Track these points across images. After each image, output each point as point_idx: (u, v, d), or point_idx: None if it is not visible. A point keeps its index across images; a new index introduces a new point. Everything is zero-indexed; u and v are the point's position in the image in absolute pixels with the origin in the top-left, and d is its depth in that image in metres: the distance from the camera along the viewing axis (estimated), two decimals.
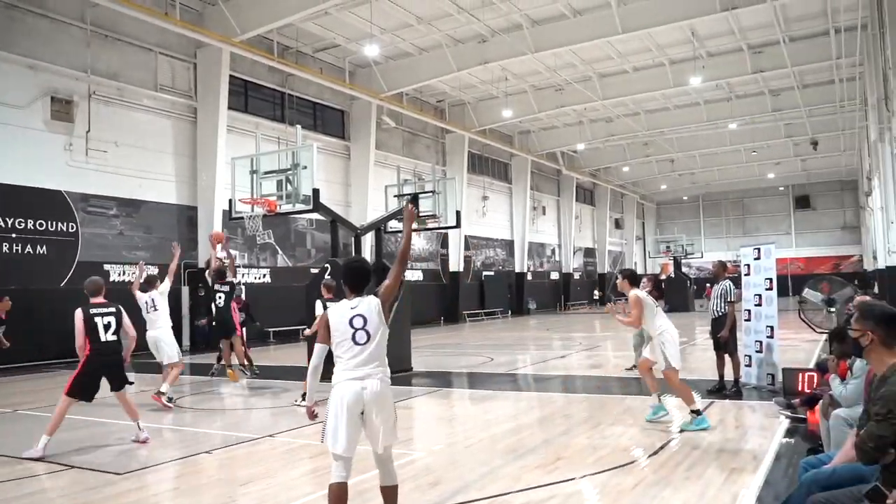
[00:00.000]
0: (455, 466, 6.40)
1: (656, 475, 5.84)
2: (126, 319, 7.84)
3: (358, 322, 4.36)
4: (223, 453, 7.23)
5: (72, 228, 17.74)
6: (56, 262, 17.28)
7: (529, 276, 40.17)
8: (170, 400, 10.02)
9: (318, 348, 4.43)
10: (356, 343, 4.33)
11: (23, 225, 16.68)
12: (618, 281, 8.46)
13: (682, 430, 7.45)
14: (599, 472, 5.96)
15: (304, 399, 9.77)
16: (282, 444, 7.54)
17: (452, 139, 32.90)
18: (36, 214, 16.94)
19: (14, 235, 16.49)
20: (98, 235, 18.35)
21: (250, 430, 8.30)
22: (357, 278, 4.56)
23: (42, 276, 16.83)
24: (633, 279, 8.27)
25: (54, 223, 17.36)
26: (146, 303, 10.47)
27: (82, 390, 7.45)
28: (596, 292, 48.67)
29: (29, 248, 16.78)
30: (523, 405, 10.13)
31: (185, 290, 20.29)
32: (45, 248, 17.09)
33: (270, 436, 7.91)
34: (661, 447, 6.80)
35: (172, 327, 10.73)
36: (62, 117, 17.52)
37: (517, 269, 39.24)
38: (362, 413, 4.29)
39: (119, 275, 18.74)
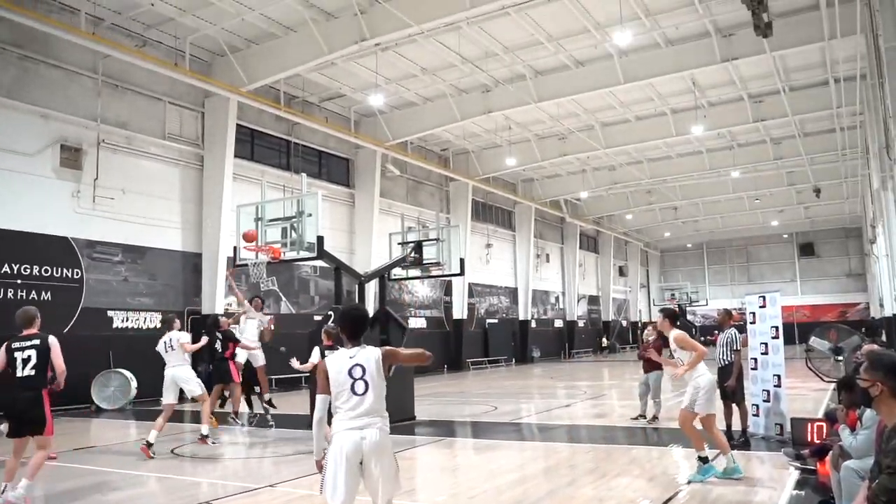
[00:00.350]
0: None
1: None
2: (54, 353, 7.18)
3: (357, 372, 4.33)
4: (222, 503, 7.11)
5: (76, 275, 17.78)
6: (60, 308, 17.26)
7: (533, 324, 39.97)
8: (206, 437, 10.17)
9: (321, 399, 4.39)
10: (355, 393, 4.29)
11: (28, 271, 16.73)
12: (657, 320, 8.34)
13: (689, 482, 7.28)
14: None
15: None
16: (282, 495, 7.42)
17: (456, 187, 33.12)
18: (42, 261, 17.00)
19: (20, 281, 16.53)
20: (102, 282, 18.38)
21: (250, 480, 8.18)
22: (355, 326, 4.53)
23: (46, 323, 16.69)
24: (674, 318, 8.08)
25: (60, 269, 17.42)
26: (164, 343, 10.55)
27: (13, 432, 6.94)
28: (604, 340, 48.41)
29: (34, 294, 16.79)
30: (528, 455, 9.98)
31: (188, 337, 20.17)
32: (49, 293, 17.11)
33: (271, 486, 7.80)
34: (669, 499, 6.68)
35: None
36: (71, 165, 17.73)
37: (521, 317, 39.06)
38: (361, 463, 4.24)
39: (122, 321, 18.72)
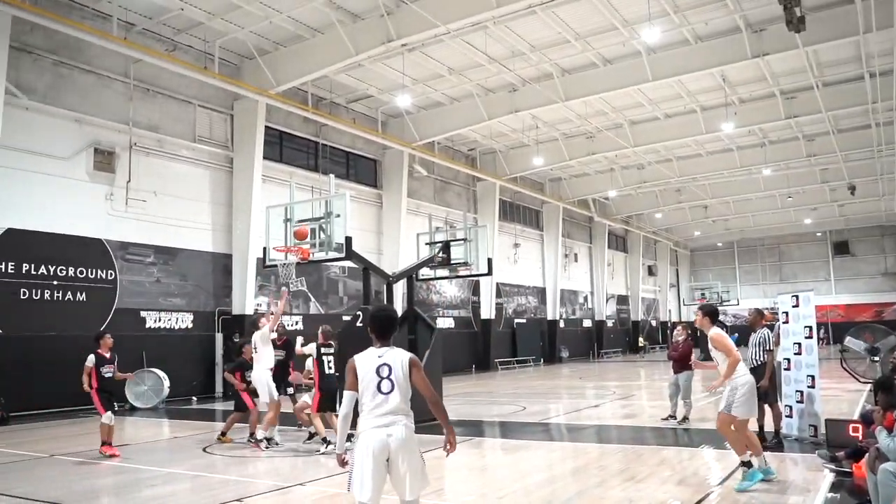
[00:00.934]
0: None
1: None
2: None
3: (384, 371, 4.41)
4: (253, 501, 7.18)
5: (110, 276, 18.10)
6: (94, 309, 17.60)
7: (562, 324, 39.81)
8: (269, 440, 10.25)
9: (348, 396, 4.45)
10: (381, 391, 4.38)
11: (63, 272, 17.08)
12: (696, 318, 7.84)
13: (738, 490, 6.88)
14: None
15: (326, 445, 9.74)
16: (313, 493, 7.48)
17: (484, 187, 33.10)
18: (77, 262, 17.35)
19: (55, 283, 16.88)
20: (135, 283, 18.68)
21: (281, 478, 8.25)
22: (384, 326, 4.61)
23: (81, 323, 17.11)
24: (714, 316, 7.65)
25: (94, 271, 17.75)
26: (252, 344, 10.76)
27: None
28: (640, 340, 48.08)
29: (69, 295, 17.14)
30: (557, 455, 9.94)
31: (219, 337, 20.49)
32: (84, 294, 17.44)
33: (301, 484, 7.86)
34: (700, 501, 6.60)
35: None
36: (104, 168, 18.06)
37: (549, 317, 38.93)
38: (388, 461, 4.29)
39: (155, 321, 19.02)
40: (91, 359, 9.85)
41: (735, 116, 26.05)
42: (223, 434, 11.08)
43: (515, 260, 36.15)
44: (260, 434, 10.40)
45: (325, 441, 9.83)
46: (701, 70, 21.86)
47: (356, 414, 4.45)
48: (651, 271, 53.55)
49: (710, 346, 7.42)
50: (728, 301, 42.34)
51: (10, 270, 16.03)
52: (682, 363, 12.08)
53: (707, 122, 27.31)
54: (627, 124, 28.65)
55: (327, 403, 9.98)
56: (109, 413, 9.85)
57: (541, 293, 38.69)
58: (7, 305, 15.79)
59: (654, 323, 53.31)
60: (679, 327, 13.24)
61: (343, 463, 4.48)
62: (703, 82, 24.48)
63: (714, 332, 7.35)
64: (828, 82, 24.60)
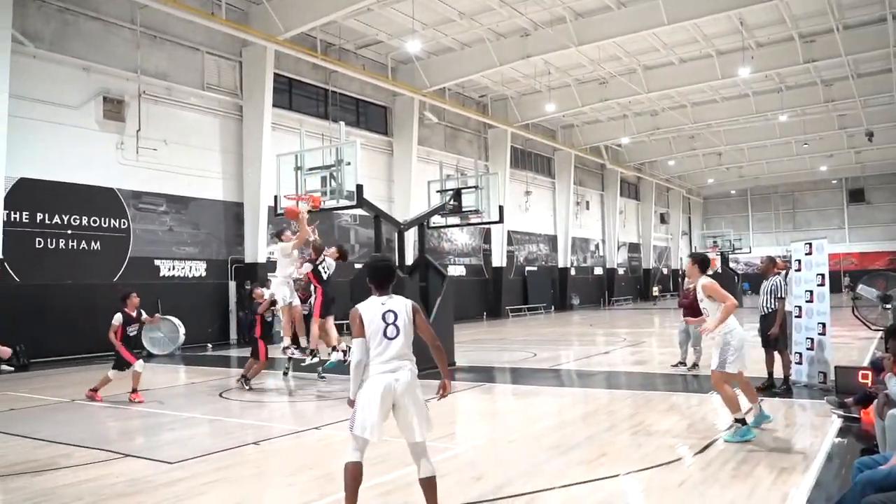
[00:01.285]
0: (498, 461, 6.39)
1: (703, 473, 5.76)
2: None
3: (389, 317, 4.52)
4: (270, 444, 7.35)
5: (124, 225, 18.21)
6: (109, 257, 17.77)
7: (573, 272, 39.89)
8: (312, 352, 10.73)
9: (358, 343, 4.51)
10: (386, 337, 4.48)
11: (77, 222, 17.19)
12: (686, 265, 7.46)
13: (726, 442, 6.81)
14: (644, 469, 5.89)
15: (312, 357, 10.35)
16: (327, 437, 7.64)
17: (495, 134, 32.82)
18: (90, 211, 17.44)
19: (70, 232, 17.01)
20: (148, 231, 18.80)
21: (296, 423, 8.42)
22: (384, 276, 4.68)
23: (96, 272, 17.32)
24: (704, 264, 7.26)
25: (107, 220, 17.85)
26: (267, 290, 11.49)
27: None
28: (655, 289, 48.20)
29: (84, 244, 17.29)
30: (567, 401, 10.08)
31: (232, 285, 20.69)
32: (98, 244, 17.59)
33: (316, 428, 8.02)
34: (708, 445, 6.69)
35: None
36: (114, 117, 18.00)
37: (560, 265, 38.99)
38: (393, 405, 4.43)
39: (169, 270, 19.21)
40: (118, 317, 9.97)
41: (752, 61, 25.52)
42: (247, 379, 11.17)
43: (527, 208, 36.06)
44: (303, 343, 10.84)
45: (312, 353, 10.40)
46: (718, 13, 21.36)
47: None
48: (663, 219, 53.31)
49: (699, 295, 7.13)
50: (740, 249, 42.12)
51: (24, 220, 16.15)
52: (693, 310, 12.11)
53: (723, 67, 26.79)
54: (641, 70, 28.16)
55: (329, 308, 10.64)
56: (140, 361, 10.11)
57: (552, 241, 38.68)
58: (23, 254, 15.96)
59: (665, 271, 53.31)
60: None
61: (353, 406, 4.57)
62: (720, 26, 23.94)
63: (704, 280, 7.06)
64: (848, 25, 24.00)
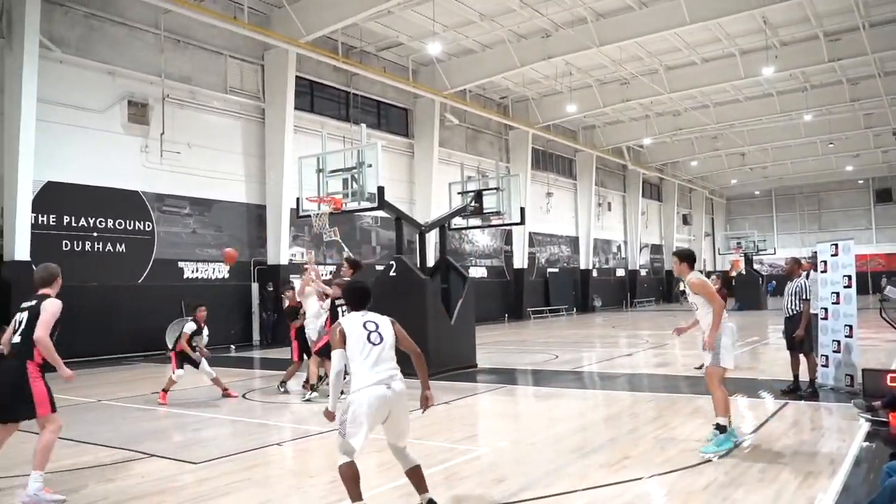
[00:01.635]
0: (520, 463, 6.37)
1: (727, 476, 5.70)
2: (42, 318, 5.44)
3: (371, 326, 4.70)
4: (293, 445, 7.39)
5: (148, 227, 18.42)
6: (134, 259, 17.99)
7: (595, 273, 39.70)
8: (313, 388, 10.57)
9: (338, 354, 4.61)
10: (371, 343, 4.61)
11: (103, 224, 17.42)
12: (674, 263, 7.09)
13: (702, 454, 6.33)
14: (668, 472, 5.85)
15: (311, 392, 10.11)
16: None
17: (516, 135, 32.76)
18: (115, 214, 17.67)
19: (95, 234, 17.24)
20: (172, 234, 19.00)
21: (318, 424, 8.45)
22: (361, 298, 4.91)
23: (121, 273, 17.54)
24: (692, 261, 6.98)
25: (132, 222, 18.07)
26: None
27: None
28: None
29: (109, 247, 17.52)
30: (589, 403, 10.02)
31: (255, 287, 20.84)
32: (123, 246, 17.80)
33: (337, 429, 8.03)
34: (732, 448, 6.62)
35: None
36: (138, 120, 18.23)
37: (582, 266, 38.83)
38: (388, 414, 4.58)
39: (192, 272, 19.40)
40: (191, 326, 10.27)
41: (776, 60, 25.26)
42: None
43: (548, 209, 35.95)
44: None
45: (313, 388, 10.21)
46: (741, 11, 21.15)
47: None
48: (686, 220, 52.88)
49: (687, 290, 6.93)
50: (765, 250, 41.66)
51: (51, 223, 16.40)
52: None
53: (746, 67, 26.53)
54: (663, 70, 27.97)
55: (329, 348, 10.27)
56: (181, 371, 10.25)
57: (574, 242, 38.54)
58: (50, 257, 16.05)
59: None
60: (713, 276, 13.12)
61: (332, 417, 4.69)
62: (743, 24, 23.71)
63: (693, 276, 6.83)
64: (874, 22, 23.66)
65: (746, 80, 28.31)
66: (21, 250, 15.33)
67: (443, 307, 13.12)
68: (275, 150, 21.09)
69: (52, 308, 5.54)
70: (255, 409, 9.92)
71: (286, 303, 11.84)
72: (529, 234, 32.91)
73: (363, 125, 13.50)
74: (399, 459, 4.80)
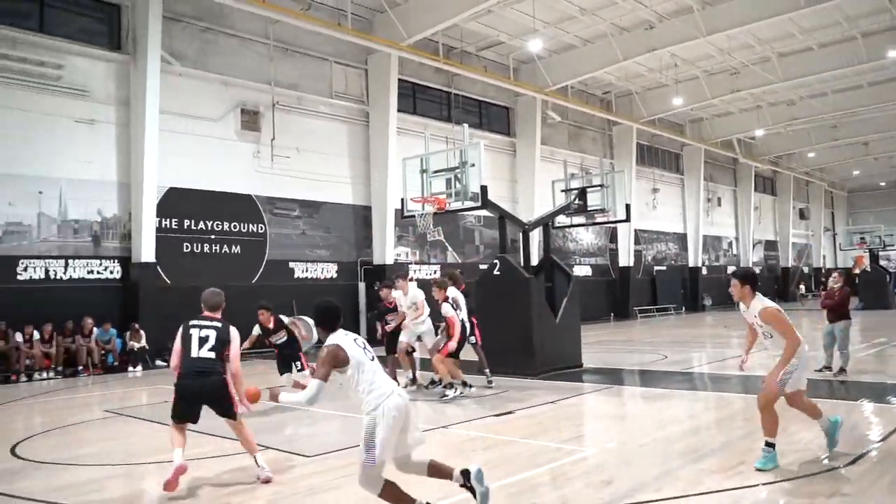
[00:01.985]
0: (629, 465, 6.24)
1: (854, 486, 5.36)
2: (234, 345, 6.18)
3: (360, 342, 4.69)
4: None
5: (261, 229, 19.25)
6: (248, 260, 18.87)
7: (704, 271, 38.31)
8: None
9: (319, 386, 4.49)
10: (371, 359, 4.62)
11: (220, 227, 18.36)
12: (732, 287, 6.17)
13: (757, 469, 5.82)
14: (788, 480, 5.56)
15: (466, 388, 9.98)
16: (454, 436, 7.73)
17: (620, 131, 32.07)
18: (230, 217, 18.59)
19: (213, 237, 18.20)
20: (283, 235, 19.77)
21: (424, 421, 8.55)
22: (335, 317, 4.78)
23: (236, 274, 18.40)
24: (754, 282, 6.09)
25: (246, 225, 18.95)
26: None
27: (180, 414, 6.02)
28: (802, 287, 45.64)
29: (225, 248, 18.45)
30: (700, 405, 9.69)
31: (362, 286, 21.36)
32: (238, 247, 18.70)
33: (444, 427, 8.12)
34: (860, 456, 6.22)
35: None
36: (250, 127, 19.09)
37: (691, 264, 37.57)
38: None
39: (302, 272, 20.12)
40: (256, 329, 10.14)
41: None
42: (413, 380, 11.29)
43: (654, 205, 35.01)
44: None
45: (465, 384, 10.05)
46: None
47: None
48: (803, 215, 50.09)
49: (757, 321, 6.11)
50: (892, 245, 38.91)
51: (173, 226, 17.44)
52: (837, 312, 11.35)
53: (869, 50, 24.86)
54: (776, 57, 26.61)
55: (458, 351, 10.23)
56: (287, 375, 10.17)
57: (682, 239, 37.36)
58: (173, 259, 17.23)
59: (806, 269, 50.14)
60: (835, 274, 12.40)
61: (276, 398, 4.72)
62: (865, 5, 22.27)
63: (762, 305, 5.96)
64: None
65: (869, 65, 26.46)
66: (147, 252, 16.41)
67: (548, 306, 13.02)
68: (379, 152, 21.56)
69: (238, 339, 6.26)
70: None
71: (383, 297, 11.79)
72: (635, 231, 32.15)
73: (465, 125, 13.58)
74: (406, 468, 4.76)
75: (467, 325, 10.63)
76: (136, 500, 6.00)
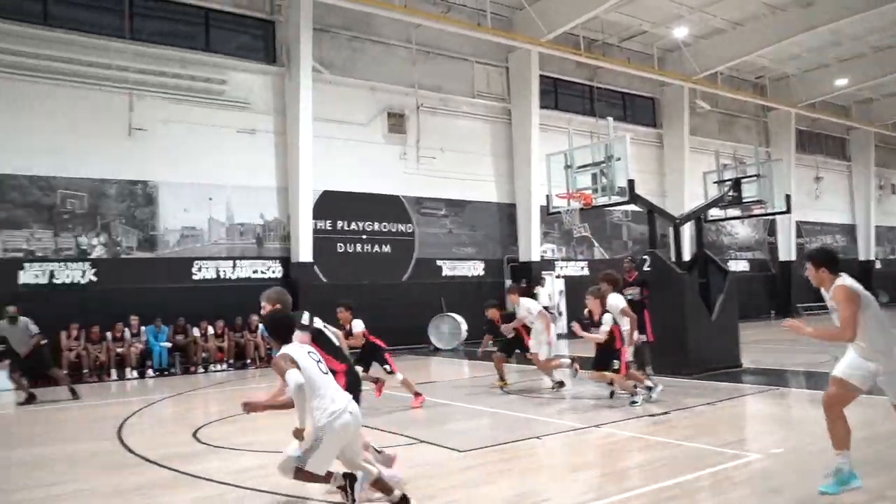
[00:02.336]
0: (798, 473, 5.84)
1: None
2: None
3: (315, 356, 4.81)
4: (552, 440, 7.47)
5: (409, 229, 19.83)
6: (398, 259, 19.51)
7: (878, 265, 35.19)
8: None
9: (296, 372, 4.52)
10: (323, 372, 4.73)
11: (371, 227, 19.12)
12: (806, 271, 5.51)
13: (821, 493, 5.08)
14: None
15: (650, 391, 9.37)
16: (608, 435, 7.57)
17: (776, 117, 30.14)
18: (380, 218, 19.31)
19: (364, 237, 18.98)
20: (430, 234, 20.25)
21: (577, 420, 8.46)
22: (288, 329, 4.91)
23: (387, 272, 19.09)
24: (833, 264, 5.33)
25: (395, 225, 19.60)
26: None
27: None
28: None
29: (376, 248, 19.18)
30: (879, 412, 8.85)
31: (508, 284, 21.38)
32: (388, 247, 19.38)
33: (597, 426, 7.98)
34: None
35: None
36: (397, 130, 19.71)
37: (862, 257, 34.63)
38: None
39: (450, 270, 20.54)
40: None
41: None
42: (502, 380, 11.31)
43: (817, 195, 32.61)
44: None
45: (649, 389, 9.34)
46: None
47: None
48: None
49: (827, 297, 5.49)
50: None
51: (328, 227, 18.35)
52: None
53: None
54: None
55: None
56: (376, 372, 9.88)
57: (850, 231, 34.55)
58: (328, 257, 18.15)
59: None
60: None
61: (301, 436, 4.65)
62: None
63: (841, 282, 5.28)
64: None
65: None
66: (305, 253, 17.38)
67: (702, 303, 12.46)
68: (522, 149, 21.55)
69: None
70: (515, 402, 10.14)
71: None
72: (796, 222, 30.09)
73: (610, 119, 13.25)
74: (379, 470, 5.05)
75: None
76: (304, 487, 6.34)
